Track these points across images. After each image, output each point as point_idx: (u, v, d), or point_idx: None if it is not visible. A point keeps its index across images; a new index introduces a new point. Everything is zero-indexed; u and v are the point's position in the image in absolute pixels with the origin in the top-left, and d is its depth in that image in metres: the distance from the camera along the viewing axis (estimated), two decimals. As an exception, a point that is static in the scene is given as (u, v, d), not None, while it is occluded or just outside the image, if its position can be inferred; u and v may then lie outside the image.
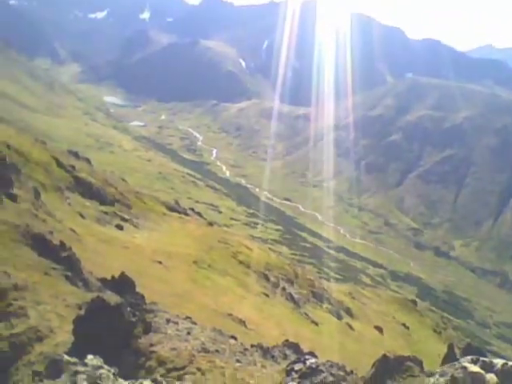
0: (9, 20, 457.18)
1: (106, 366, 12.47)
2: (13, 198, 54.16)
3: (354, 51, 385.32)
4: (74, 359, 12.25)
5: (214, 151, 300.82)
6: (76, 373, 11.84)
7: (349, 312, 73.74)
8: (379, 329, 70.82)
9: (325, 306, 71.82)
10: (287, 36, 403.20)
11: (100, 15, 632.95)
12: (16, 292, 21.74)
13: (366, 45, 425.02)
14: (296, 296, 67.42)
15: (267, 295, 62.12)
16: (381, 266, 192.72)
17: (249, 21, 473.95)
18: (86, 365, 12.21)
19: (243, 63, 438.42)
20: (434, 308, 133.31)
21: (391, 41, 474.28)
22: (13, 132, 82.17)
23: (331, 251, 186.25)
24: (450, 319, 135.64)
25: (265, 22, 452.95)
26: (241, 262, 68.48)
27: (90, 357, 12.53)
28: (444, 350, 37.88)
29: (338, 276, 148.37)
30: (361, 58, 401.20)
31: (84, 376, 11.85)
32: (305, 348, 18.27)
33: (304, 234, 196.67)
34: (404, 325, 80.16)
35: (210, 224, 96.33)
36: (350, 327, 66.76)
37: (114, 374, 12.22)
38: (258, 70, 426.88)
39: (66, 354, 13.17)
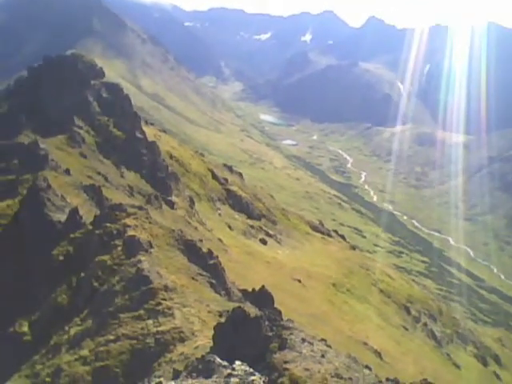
0: (183, 40, 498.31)
1: (257, 374, 12.93)
2: (170, 204, 58.46)
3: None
4: (225, 362, 12.89)
5: (363, 174, 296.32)
6: (230, 375, 12.46)
7: (497, 359, 67.66)
8: (532, 384, 63.94)
9: (469, 349, 66.85)
10: (448, 61, 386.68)
11: (264, 37, 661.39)
12: (165, 292, 23.43)
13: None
14: (438, 334, 63.59)
15: (406, 329, 59.44)
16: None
17: (411, 44, 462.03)
18: (235, 370, 12.79)
19: (401, 87, 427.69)
20: None
21: None
22: (176, 143, 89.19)
23: (482, 291, 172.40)
24: None
25: (428, 46, 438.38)
26: (381, 291, 66.44)
27: (238, 363, 13.11)
28: None
29: (487, 319, 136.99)
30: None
31: (237, 380, 12.45)
32: (444, 392, 17.13)
33: (452, 269, 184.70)
34: None
35: (353, 248, 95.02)
36: (497, 376, 61.26)
37: (264, 382, 12.61)
38: (417, 94, 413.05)
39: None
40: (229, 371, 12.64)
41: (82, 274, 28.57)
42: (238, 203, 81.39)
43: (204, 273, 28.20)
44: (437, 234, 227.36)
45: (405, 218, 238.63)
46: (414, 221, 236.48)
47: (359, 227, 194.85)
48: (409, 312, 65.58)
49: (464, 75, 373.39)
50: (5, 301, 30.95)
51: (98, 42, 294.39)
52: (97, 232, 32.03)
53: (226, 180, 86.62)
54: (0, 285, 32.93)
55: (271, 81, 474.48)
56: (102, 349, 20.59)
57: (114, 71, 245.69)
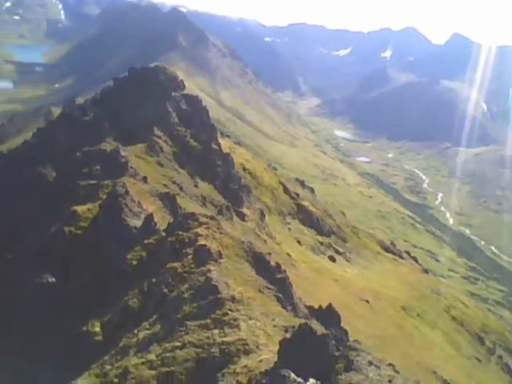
0: (262, 55, 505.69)
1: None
2: (241, 216, 59.03)
3: None
4: (299, 379, 12.77)
5: (440, 196, 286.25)
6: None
7: None
8: None
9: (549, 388, 62.39)
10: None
11: (343, 53, 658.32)
12: (232, 303, 23.58)
13: None
14: (514, 369, 59.99)
15: (479, 360, 56.57)
16: None
17: (497, 62, 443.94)
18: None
19: (485, 107, 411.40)
20: None
21: None
22: (250, 156, 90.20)
23: None
24: None
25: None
26: (454, 318, 63.68)
27: (312, 380, 12.96)
28: None
29: None
30: None
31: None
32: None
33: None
34: None
35: (425, 271, 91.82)
36: None
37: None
38: (502, 115, 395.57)
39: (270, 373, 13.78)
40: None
41: (154, 280, 29.33)
42: (308, 218, 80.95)
43: (271, 286, 28.15)
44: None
45: (482, 243, 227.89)
46: (492, 247, 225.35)
47: (433, 250, 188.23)
48: (483, 343, 62.36)
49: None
50: (80, 300, 32.34)
51: (182, 56, 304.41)
52: (169, 239, 32.85)
53: (298, 195, 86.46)
54: (77, 285, 34.47)
55: (348, 97, 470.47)
56: (168, 355, 20.98)
57: (194, 84, 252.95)
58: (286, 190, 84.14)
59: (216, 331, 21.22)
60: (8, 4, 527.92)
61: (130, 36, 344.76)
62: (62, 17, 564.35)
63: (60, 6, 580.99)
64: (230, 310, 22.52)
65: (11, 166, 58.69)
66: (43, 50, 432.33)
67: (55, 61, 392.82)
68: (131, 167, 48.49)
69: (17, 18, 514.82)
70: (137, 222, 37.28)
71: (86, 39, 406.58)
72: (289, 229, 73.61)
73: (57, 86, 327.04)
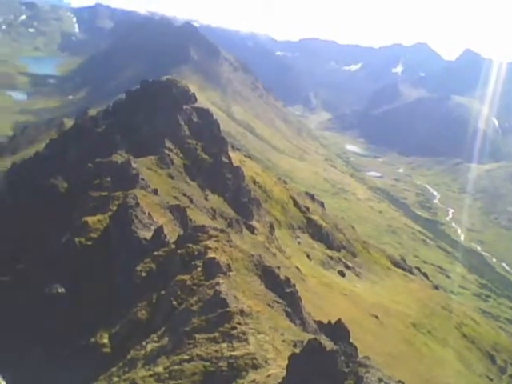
0: (273, 68, 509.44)
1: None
2: (251, 229, 58.96)
3: None
4: None
5: (451, 211, 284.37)
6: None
7: None
8: None
9: None
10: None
11: (354, 68, 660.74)
12: (241, 317, 23.48)
13: None
14: (527, 389, 59.06)
15: (491, 379, 55.83)
16: None
17: (508, 78, 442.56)
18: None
19: (496, 122, 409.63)
20: None
21: None
22: (260, 169, 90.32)
23: None
24: None
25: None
26: (464, 336, 62.96)
27: None
28: None
29: None
30: None
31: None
32: None
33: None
34: None
35: (436, 288, 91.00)
36: None
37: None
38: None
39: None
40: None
41: (163, 292, 29.31)
42: (317, 232, 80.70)
43: (280, 300, 28.02)
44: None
45: (494, 260, 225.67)
46: (503, 264, 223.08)
47: (443, 266, 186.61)
48: (494, 361, 61.52)
49: None
50: (89, 311, 32.34)
51: (194, 70, 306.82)
52: (179, 251, 32.86)
53: (308, 208, 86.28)
54: (86, 295, 34.50)
55: (358, 111, 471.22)
56: (176, 367, 20.89)
57: (205, 97, 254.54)
58: (295, 204, 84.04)
59: (224, 345, 21.12)
60: (23, 17, 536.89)
61: (143, 49, 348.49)
62: (76, 30, 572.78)
63: (74, 20, 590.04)
64: (238, 323, 22.42)
65: (23, 176, 59.21)
66: (57, 62, 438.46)
67: (68, 73, 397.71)
68: (142, 179, 48.71)
69: (32, 30, 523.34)
70: (147, 234, 37.36)
71: (99, 52, 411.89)
72: (298, 242, 73.42)
73: (70, 97, 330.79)
